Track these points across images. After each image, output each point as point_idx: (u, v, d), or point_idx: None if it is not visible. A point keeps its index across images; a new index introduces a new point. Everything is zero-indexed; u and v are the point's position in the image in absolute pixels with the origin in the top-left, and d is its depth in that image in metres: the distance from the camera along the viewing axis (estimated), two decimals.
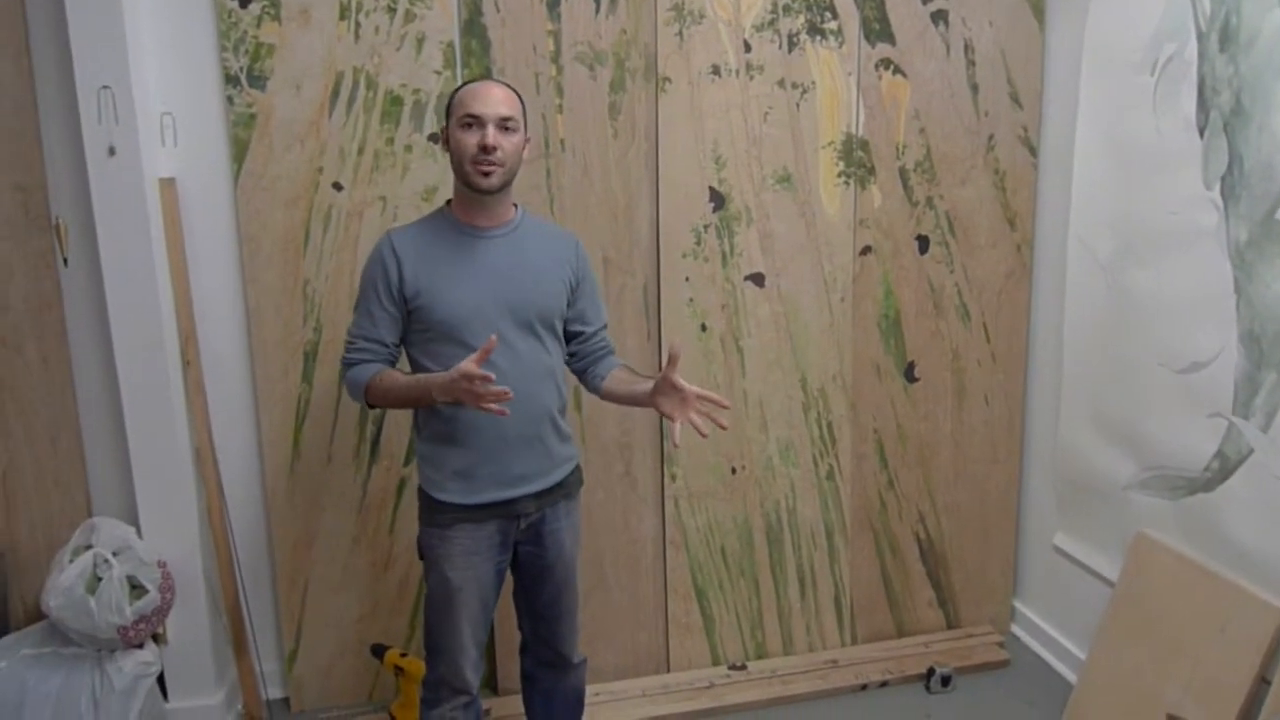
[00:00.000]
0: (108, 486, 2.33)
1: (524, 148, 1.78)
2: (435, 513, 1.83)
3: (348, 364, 1.83)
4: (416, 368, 1.82)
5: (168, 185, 2.19)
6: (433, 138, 2.30)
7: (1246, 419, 2.00)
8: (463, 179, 1.75)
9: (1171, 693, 2.13)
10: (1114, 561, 2.43)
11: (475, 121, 1.70)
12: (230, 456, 2.38)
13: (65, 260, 2.23)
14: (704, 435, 1.71)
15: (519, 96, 1.77)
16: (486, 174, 1.71)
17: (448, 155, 1.78)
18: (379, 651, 2.38)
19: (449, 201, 1.85)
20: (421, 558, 1.89)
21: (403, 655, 2.34)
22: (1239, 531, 2.04)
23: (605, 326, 2.00)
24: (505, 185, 1.76)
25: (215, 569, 2.36)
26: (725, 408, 1.73)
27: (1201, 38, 2.06)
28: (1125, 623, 2.33)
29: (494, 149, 1.69)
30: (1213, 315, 2.06)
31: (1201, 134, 2.07)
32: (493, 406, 1.59)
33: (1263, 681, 1.96)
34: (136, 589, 2.16)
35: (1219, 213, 2.03)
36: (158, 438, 2.23)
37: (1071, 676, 2.58)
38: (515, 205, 1.87)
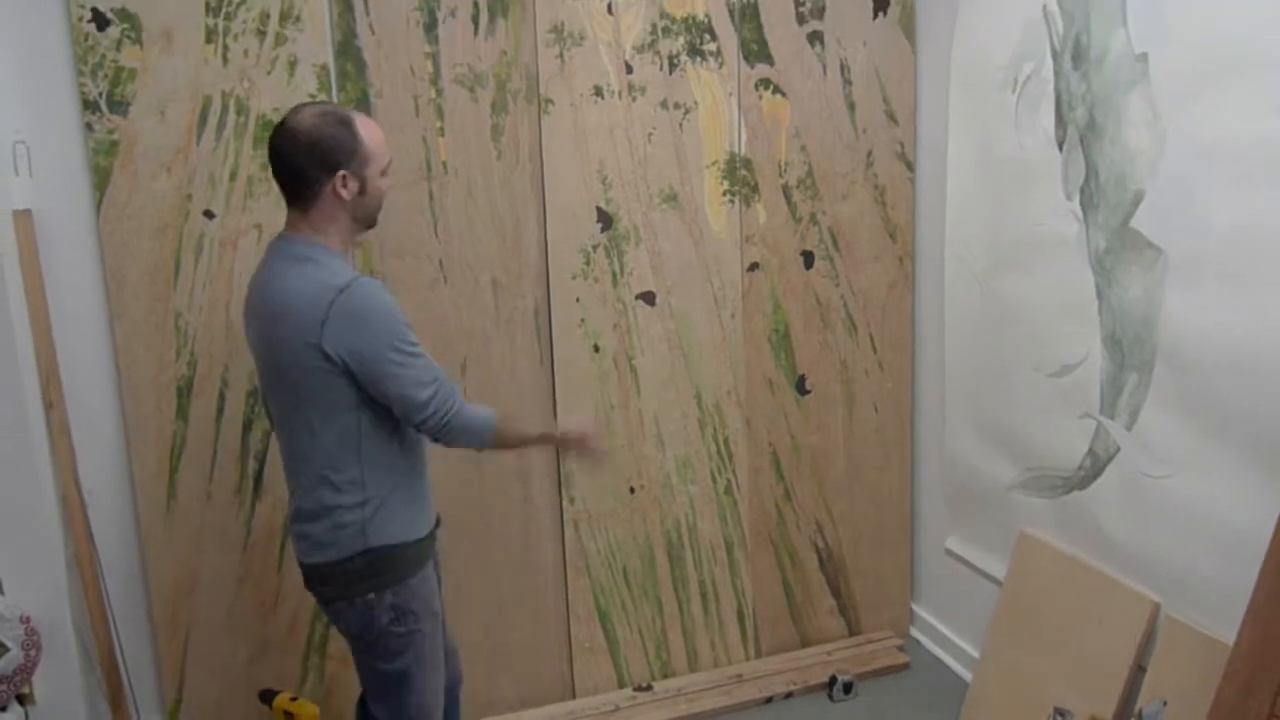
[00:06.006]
0: None
1: None
2: (416, 556, 1.77)
3: (453, 398, 1.69)
4: (360, 430, 1.68)
5: (23, 217, 2.07)
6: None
7: (1113, 418, 2.09)
8: (368, 223, 1.75)
9: (1057, 685, 2.21)
10: (1001, 561, 2.51)
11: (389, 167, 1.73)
12: (101, 501, 2.25)
13: None
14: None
15: None
16: None
17: (348, 197, 1.66)
18: (268, 697, 2.29)
19: (314, 245, 1.67)
20: (395, 625, 1.74)
21: (293, 700, 2.25)
22: (1112, 526, 2.13)
23: None
24: None
25: (87, 620, 2.23)
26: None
27: (1056, 57, 2.16)
28: (1013, 621, 2.40)
29: None
30: (1078, 320, 2.16)
31: (1061, 148, 2.17)
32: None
33: (1139, 669, 2.04)
34: None
35: (1080, 223, 2.13)
36: (18, 485, 2.09)
37: (968, 676, 2.65)
38: None
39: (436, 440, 1.72)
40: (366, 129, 1.68)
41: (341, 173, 1.64)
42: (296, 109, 1.67)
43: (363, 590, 1.71)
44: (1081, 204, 2.12)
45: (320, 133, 1.62)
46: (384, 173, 1.71)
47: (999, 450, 2.48)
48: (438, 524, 1.87)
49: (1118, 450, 2.09)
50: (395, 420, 1.71)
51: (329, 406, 1.64)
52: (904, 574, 2.96)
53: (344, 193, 1.65)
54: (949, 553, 2.77)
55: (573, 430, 1.93)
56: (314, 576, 1.76)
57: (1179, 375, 1.91)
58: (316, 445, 1.67)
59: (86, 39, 2.07)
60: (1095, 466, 2.16)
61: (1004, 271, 2.39)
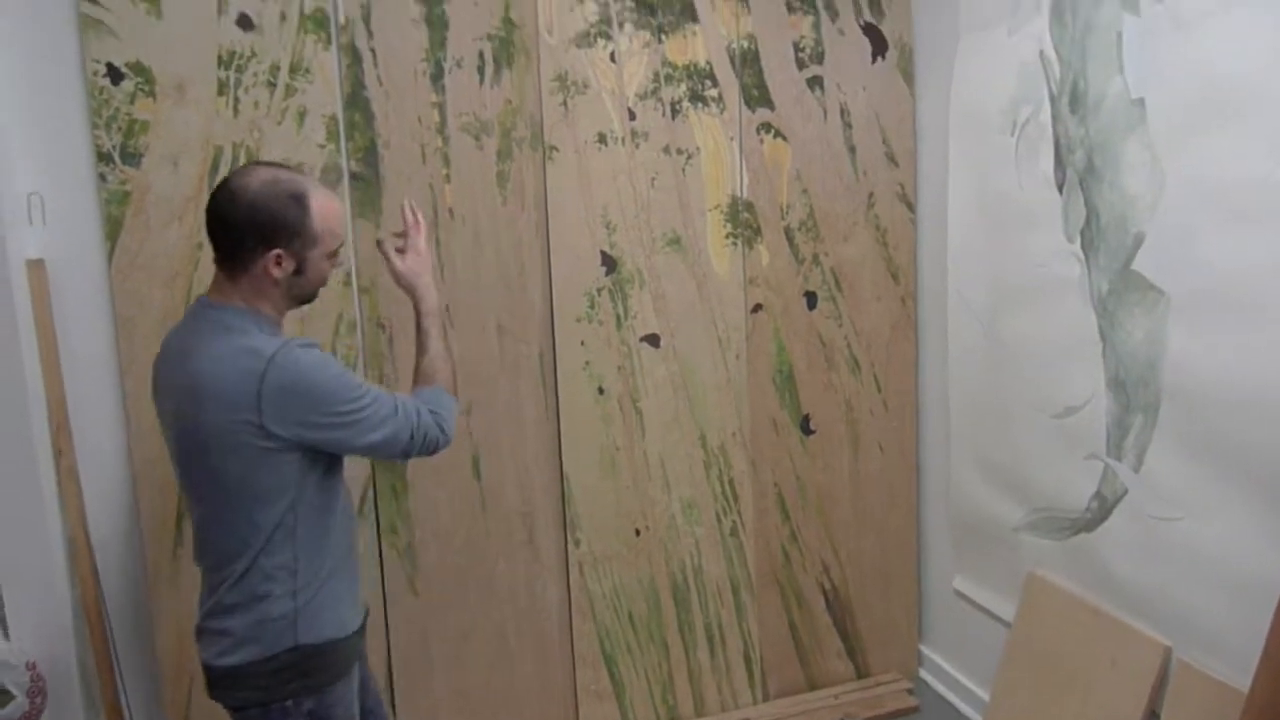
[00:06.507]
0: None
1: None
2: (345, 657, 1.64)
3: (415, 416, 1.61)
4: (298, 512, 1.57)
5: (36, 267, 2.10)
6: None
7: (1119, 460, 2.09)
8: (304, 301, 1.65)
9: None
10: (1010, 602, 2.49)
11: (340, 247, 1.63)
12: (108, 547, 2.26)
13: None
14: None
15: None
16: None
17: (279, 276, 1.54)
18: None
19: (252, 313, 1.55)
20: None
21: None
22: (1121, 569, 2.12)
23: None
24: None
25: (92, 667, 2.23)
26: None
27: (1054, 101, 2.19)
28: (1022, 663, 2.38)
29: None
30: (1082, 362, 2.16)
31: (1060, 190, 2.19)
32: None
33: (1152, 715, 2.02)
34: (2, 694, 2.02)
35: (1081, 265, 2.14)
36: (26, 531, 2.10)
37: (978, 719, 2.61)
38: None
39: (434, 454, 1.66)
40: (321, 208, 1.54)
41: (276, 251, 1.51)
42: (248, 169, 1.55)
43: (282, 696, 1.55)
44: (1083, 246, 2.13)
45: (263, 203, 1.49)
46: (332, 255, 1.59)
47: (1005, 491, 2.47)
48: (366, 615, 1.76)
49: (1125, 492, 2.08)
50: (329, 501, 1.62)
51: (268, 488, 1.52)
52: (912, 615, 2.94)
53: (276, 271, 1.52)
54: (957, 593, 2.75)
55: (416, 282, 1.78)
56: (228, 681, 1.56)
57: (1185, 416, 1.91)
58: (255, 529, 1.52)
59: (101, 92, 2.11)
60: (1103, 508, 2.15)
61: (1006, 313, 2.40)
